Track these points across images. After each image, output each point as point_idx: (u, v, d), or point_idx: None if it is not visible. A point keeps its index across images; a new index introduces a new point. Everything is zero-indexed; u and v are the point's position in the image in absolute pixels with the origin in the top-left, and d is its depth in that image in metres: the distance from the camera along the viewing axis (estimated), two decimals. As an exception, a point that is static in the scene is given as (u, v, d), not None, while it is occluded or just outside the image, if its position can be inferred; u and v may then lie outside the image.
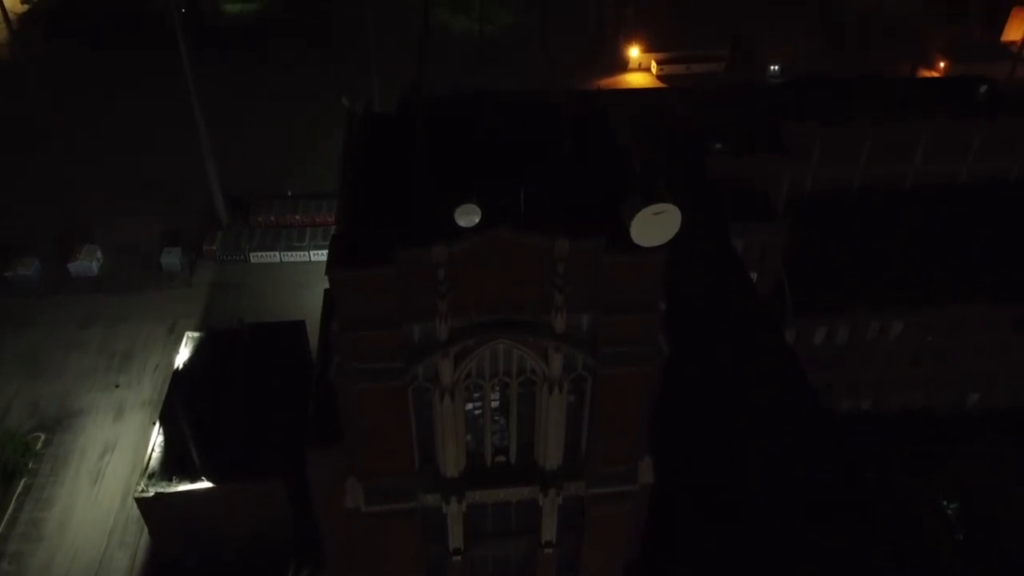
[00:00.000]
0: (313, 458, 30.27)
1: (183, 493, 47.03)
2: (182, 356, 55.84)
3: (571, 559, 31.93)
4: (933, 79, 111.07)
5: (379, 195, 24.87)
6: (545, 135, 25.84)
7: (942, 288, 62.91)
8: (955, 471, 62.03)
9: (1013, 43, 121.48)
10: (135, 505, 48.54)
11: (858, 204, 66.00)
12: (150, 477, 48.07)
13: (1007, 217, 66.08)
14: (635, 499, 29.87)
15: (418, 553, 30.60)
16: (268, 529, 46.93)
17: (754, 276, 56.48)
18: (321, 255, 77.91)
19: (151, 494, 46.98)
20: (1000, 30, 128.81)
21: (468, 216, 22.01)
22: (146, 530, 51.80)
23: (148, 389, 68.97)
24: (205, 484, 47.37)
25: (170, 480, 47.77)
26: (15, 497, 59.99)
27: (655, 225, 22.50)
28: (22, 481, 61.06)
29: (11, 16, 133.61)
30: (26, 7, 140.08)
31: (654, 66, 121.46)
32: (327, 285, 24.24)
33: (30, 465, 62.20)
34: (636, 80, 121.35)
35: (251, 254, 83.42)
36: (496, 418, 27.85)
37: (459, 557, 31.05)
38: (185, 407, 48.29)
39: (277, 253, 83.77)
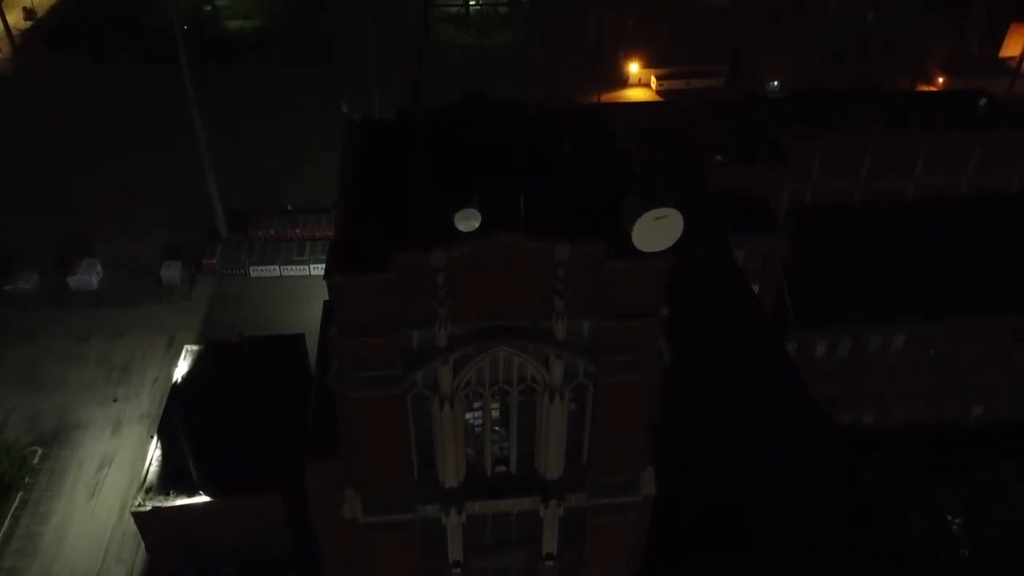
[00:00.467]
0: (312, 470, 29.95)
1: (180, 507, 46.51)
2: (181, 369, 55.50)
3: (572, 572, 31.48)
4: (933, 92, 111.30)
5: (378, 200, 24.70)
6: (545, 139, 25.71)
7: (944, 300, 62.62)
8: (960, 485, 61.49)
9: (1011, 59, 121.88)
10: (132, 519, 48.04)
11: (859, 216, 65.85)
12: (147, 491, 47.58)
13: (1008, 229, 65.87)
14: (637, 510, 29.48)
15: (417, 566, 30.18)
16: (267, 542, 46.42)
17: (755, 288, 56.24)
18: (321, 269, 77.75)
19: (148, 508, 46.45)
20: (998, 46, 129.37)
21: (468, 220, 21.80)
22: (143, 545, 51.22)
23: (146, 403, 68.61)
24: (203, 498, 46.88)
25: (167, 494, 47.26)
26: (11, 511, 59.46)
27: (657, 229, 22.28)
28: (19, 495, 60.55)
29: (14, 32, 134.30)
30: (29, 23, 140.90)
31: (654, 81, 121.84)
32: (327, 297, 24.05)
33: (27, 479, 61.69)
34: (636, 96, 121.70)
35: (251, 268, 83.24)
36: (496, 427, 27.52)
37: (458, 570, 30.62)
38: (183, 420, 47.90)
39: (277, 267, 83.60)
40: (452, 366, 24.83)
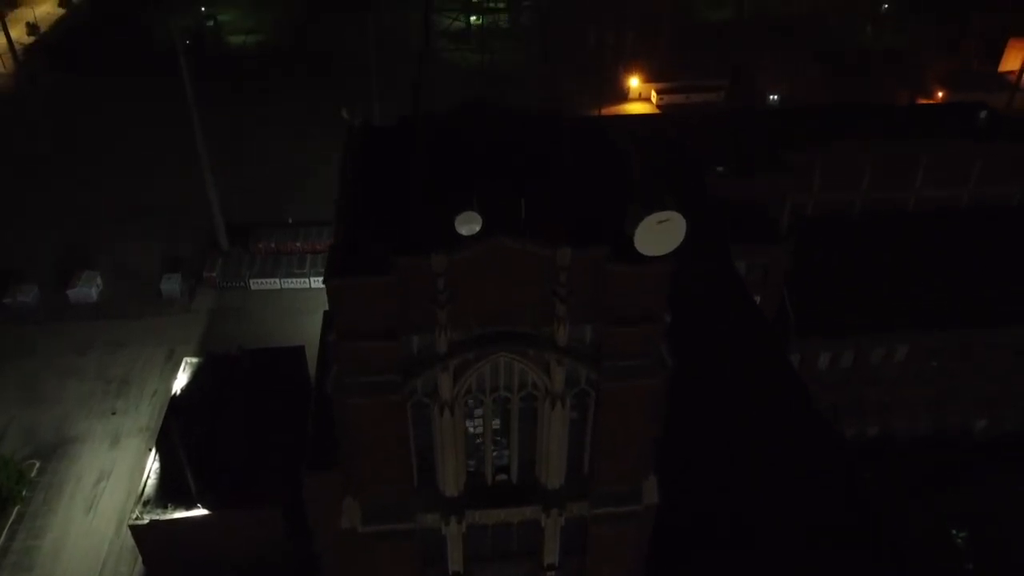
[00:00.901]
0: (310, 480, 29.59)
1: (178, 520, 46.09)
2: (180, 381, 55.24)
3: (574, 583, 31.08)
4: (933, 105, 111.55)
5: (378, 203, 24.54)
6: (545, 144, 25.58)
7: (947, 312, 62.34)
8: (964, 498, 60.95)
9: (1011, 73, 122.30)
10: (129, 533, 47.57)
11: (861, 227, 65.69)
12: (145, 504, 47.18)
13: (1011, 240, 65.67)
14: (640, 520, 29.11)
15: (416, 577, 29.82)
16: (266, 555, 45.96)
17: (757, 299, 56.01)
18: (321, 282, 77.58)
19: (145, 521, 46.03)
20: (998, 61, 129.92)
21: (469, 224, 21.63)
22: (140, 559, 50.74)
23: (145, 416, 68.25)
24: (201, 511, 46.48)
25: (165, 507, 46.87)
26: (8, 526, 58.93)
27: (659, 233, 22.10)
28: (15, 509, 60.05)
29: (17, 46, 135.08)
30: (32, 38, 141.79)
31: (654, 96, 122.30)
32: (327, 309, 23.81)
33: (24, 493, 61.21)
34: (636, 110, 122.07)
35: (251, 281, 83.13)
36: (497, 435, 27.21)
37: (458, 581, 30.24)
38: (182, 433, 47.60)
39: (277, 280, 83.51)
40: (452, 372, 24.57)
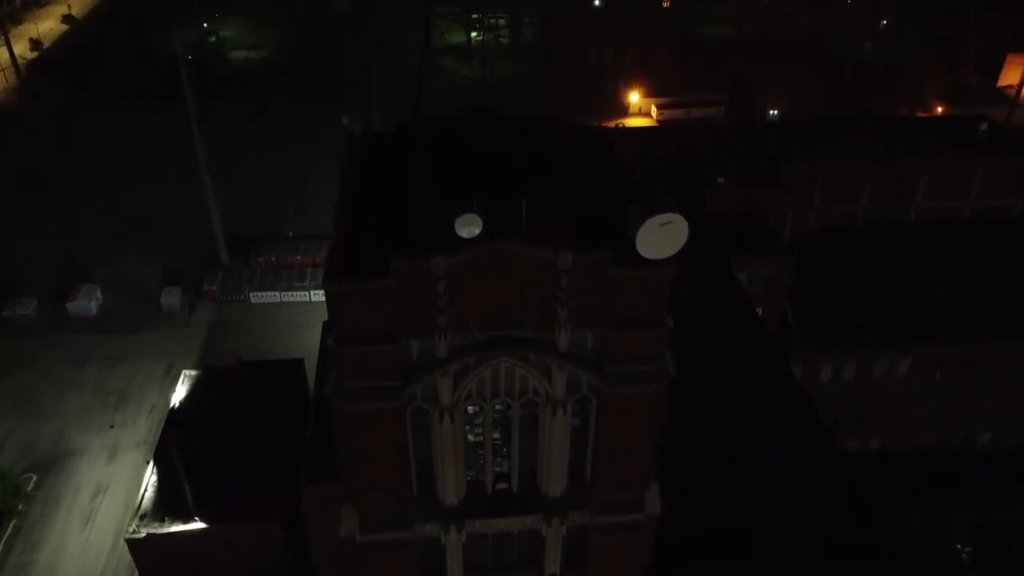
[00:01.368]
0: (310, 492, 29.23)
1: (176, 533, 45.56)
2: (178, 394, 54.90)
3: (575, 594, 30.60)
4: (933, 118, 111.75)
5: (377, 207, 24.38)
6: (545, 149, 25.47)
7: (950, 324, 62.06)
8: (969, 513, 60.39)
9: (1010, 87, 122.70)
10: (126, 547, 47.05)
11: (863, 240, 65.54)
12: (142, 517, 46.68)
13: (1013, 252, 65.46)
14: (642, 530, 28.72)
15: (416, 587, 29.36)
16: (264, 569, 45.40)
17: (759, 311, 55.75)
18: (321, 295, 77.50)
19: (142, 535, 45.51)
20: (996, 75, 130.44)
21: (469, 226, 21.45)
22: (137, 573, 50.15)
23: (144, 429, 67.82)
24: (199, 524, 46.02)
25: (163, 520, 46.39)
26: (4, 539, 58.33)
27: (661, 236, 21.91)
28: (11, 523, 59.50)
29: (20, 61, 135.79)
30: (35, 54, 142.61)
31: (654, 111, 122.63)
32: (327, 319, 23.55)
33: (20, 507, 60.70)
34: (636, 125, 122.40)
35: (251, 294, 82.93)
36: (497, 443, 26.89)
37: (458, 592, 29.77)
38: (180, 445, 47.22)
39: (277, 293, 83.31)
40: (452, 378, 24.30)
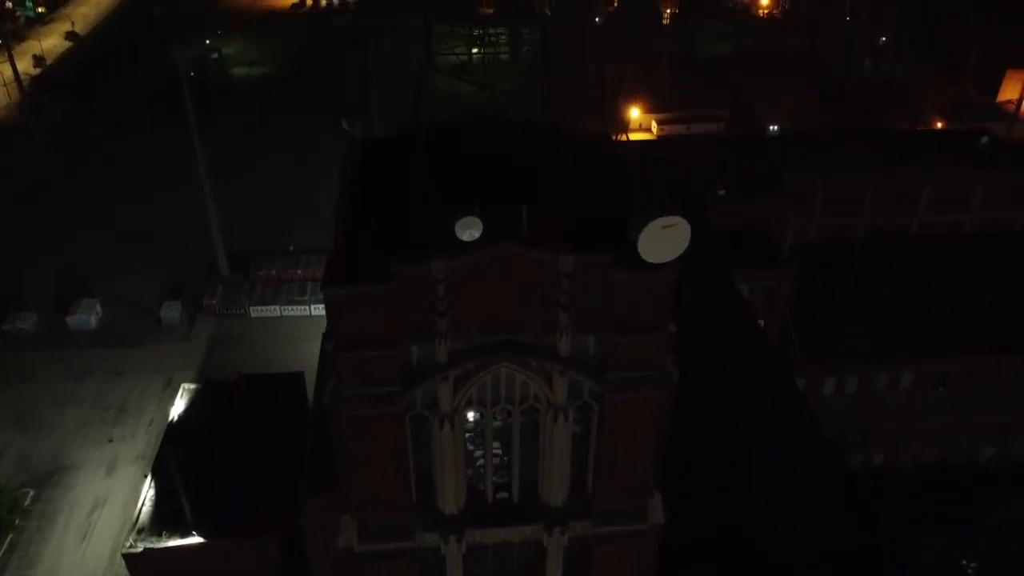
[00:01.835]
0: (310, 504, 28.81)
1: (173, 548, 45.09)
2: (177, 408, 54.56)
3: (577, 606, 30.10)
4: (933, 131, 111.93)
5: (377, 210, 24.21)
6: (546, 153, 25.34)
7: (954, 338, 61.73)
8: (975, 528, 59.79)
9: (1009, 102, 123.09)
10: (123, 562, 46.54)
11: (865, 252, 65.34)
12: (139, 532, 46.24)
13: (1016, 265, 65.23)
14: (644, 540, 28.30)
15: (415, 599, 28.88)
16: (261, 584, 44.87)
17: (760, 323, 55.46)
18: (322, 310, 77.30)
19: (139, 549, 45.03)
20: (996, 91, 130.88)
21: (469, 229, 21.25)
22: (134, 588, 49.61)
23: (142, 443, 67.43)
24: (197, 539, 45.56)
25: (160, 535, 45.94)
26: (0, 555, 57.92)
27: (664, 239, 21.72)
28: (8, 538, 59.00)
29: (23, 77, 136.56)
30: (38, 70, 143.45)
31: (654, 126, 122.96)
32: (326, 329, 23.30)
33: (17, 522, 60.21)
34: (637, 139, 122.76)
35: (251, 308, 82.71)
36: (497, 451, 26.56)
37: (458, 604, 29.29)
38: (178, 459, 46.81)
39: (277, 307, 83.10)
40: (452, 383, 24.02)
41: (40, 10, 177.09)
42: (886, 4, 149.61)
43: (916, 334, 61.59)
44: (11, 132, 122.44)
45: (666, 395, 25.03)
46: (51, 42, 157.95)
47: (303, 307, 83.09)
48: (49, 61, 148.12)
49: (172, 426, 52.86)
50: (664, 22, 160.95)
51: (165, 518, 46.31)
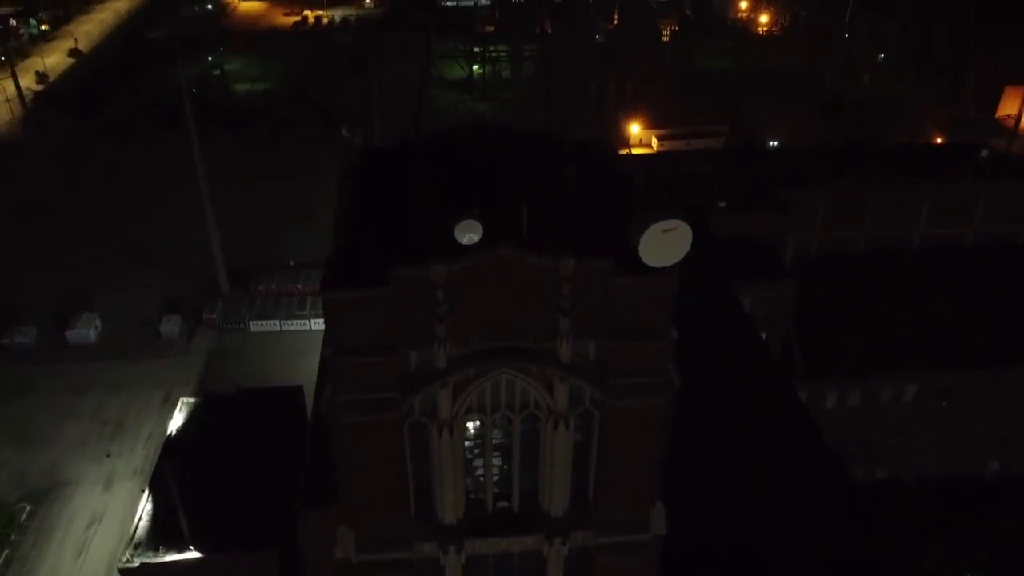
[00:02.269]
0: (308, 517, 28.42)
1: (170, 563, 44.56)
2: (175, 422, 54.20)
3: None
4: (933, 145, 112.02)
5: (377, 216, 24.08)
6: (546, 162, 25.25)
7: (956, 351, 61.42)
8: (981, 543, 59.18)
9: (1008, 117, 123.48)
10: (119, 577, 46.12)
11: (865, 266, 65.18)
12: (136, 547, 45.71)
13: (1018, 278, 65.02)
14: (646, 551, 27.91)
15: (414, 611, 28.44)
16: (258, 598, 44.31)
17: (762, 336, 55.16)
18: (322, 324, 77.03)
19: (136, 564, 44.47)
20: (994, 108, 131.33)
21: (469, 233, 21.10)
22: (130, 603, 49.02)
23: (140, 458, 67.00)
24: (194, 554, 45.08)
25: (157, 550, 45.45)
26: (-5, 570, 57.48)
27: (665, 243, 21.55)
28: (3, 553, 58.48)
29: (26, 93, 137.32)
30: (41, 86, 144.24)
31: (655, 142, 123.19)
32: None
33: (13, 537, 59.70)
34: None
35: (251, 322, 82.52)
36: (497, 459, 26.25)
37: (458, 616, 28.84)
38: (176, 473, 46.41)
39: (277, 322, 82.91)
40: (451, 390, 23.76)
41: (44, 28, 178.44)
42: (885, 22, 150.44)
43: (918, 347, 61.29)
44: (13, 147, 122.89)
45: (668, 402, 24.75)
46: (54, 59, 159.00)
47: (303, 321, 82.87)
48: (52, 78, 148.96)
49: (170, 440, 52.47)
50: (664, 39, 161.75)
51: (162, 533, 45.79)
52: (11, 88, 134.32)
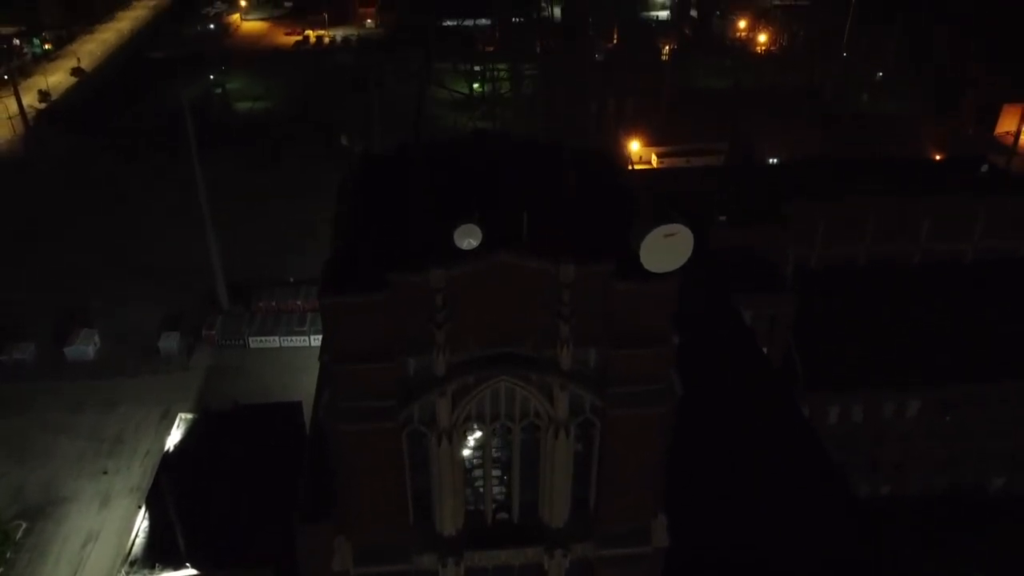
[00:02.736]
0: (307, 531, 28.04)
1: (166, 581, 44.17)
2: (173, 438, 53.83)
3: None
4: (932, 161, 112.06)
5: (375, 221, 23.92)
6: (546, 167, 25.13)
7: (958, 365, 61.10)
8: (986, 558, 58.51)
9: (1007, 133, 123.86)
10: (114, 594, 45.63)
11: (866, 280, 64.99)
12: (132, 564, 45.31)
13: (1019, 293, 64.81)
14: (648, 563, 27.50)
15: (412, 625, 27.95)
16: (255, 616, 43.74)
17: (764, 350, 54.90)
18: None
19: (132, 582, 44.13)
20: (993, 125, 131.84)
21: (468, 237, 20.93)
22: (125, 621, 48.38)
23: (137, 475, 66.39)
24: (190, 571, 44.61)
25: (153, 567, 45.01)
26: (-11, 588, 56.82)
27: (666, 248, 21.38)
28: (-1, 572, 57.98)
29: (28, 112, 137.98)
30: (43, 104, 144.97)
31: (654, 159, 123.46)
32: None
33: (8, 555, 59.02)
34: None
35: (250, 339, 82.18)
36: (496, 470, 25.90)
37: (457, 630, 28.33)
38: (173, 490, 45.99)
39: (277, 338, 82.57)
40: (451, 398, 23.49)
41: (47, 47, 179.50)
42: (883, 41, 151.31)
43: (920, 361, 60.98)
44: (15, 164, 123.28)
45: (670, 410, 24.46)
46: (57, 78, 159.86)
47: (303, 338, 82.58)
48: (54, 96, 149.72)
49: (168, 456, 52.09)
50: (663, 58, 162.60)
51: (159, 550, 45.37)
52: (14, 106, 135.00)
